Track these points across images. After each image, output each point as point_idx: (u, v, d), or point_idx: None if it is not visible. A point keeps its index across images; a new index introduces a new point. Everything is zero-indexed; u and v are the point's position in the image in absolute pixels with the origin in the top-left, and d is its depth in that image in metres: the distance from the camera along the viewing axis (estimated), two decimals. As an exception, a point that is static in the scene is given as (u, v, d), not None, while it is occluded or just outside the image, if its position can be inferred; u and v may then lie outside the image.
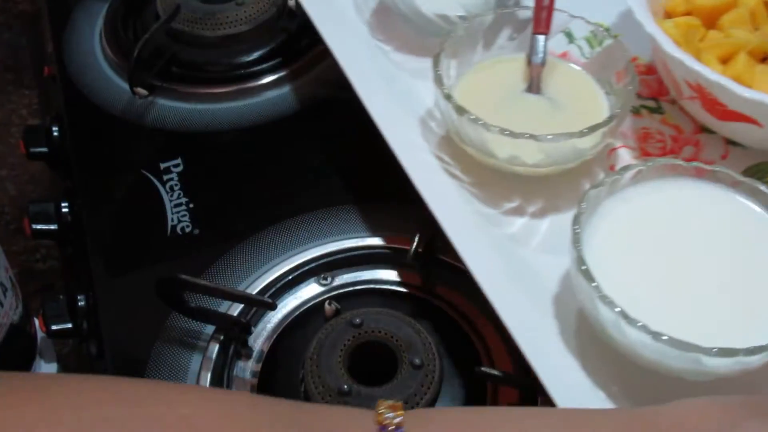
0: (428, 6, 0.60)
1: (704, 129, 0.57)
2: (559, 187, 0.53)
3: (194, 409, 0.34)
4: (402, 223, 0.57)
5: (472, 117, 0.50)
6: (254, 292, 0.54)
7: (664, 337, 0.39)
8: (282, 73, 0.70)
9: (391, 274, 0.56)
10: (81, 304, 0.58)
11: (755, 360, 0.40)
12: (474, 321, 0.53)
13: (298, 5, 0.73)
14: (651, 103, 0.59)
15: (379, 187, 0.60)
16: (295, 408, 0.37)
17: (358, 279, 0.56)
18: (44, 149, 0.69)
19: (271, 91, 0.69)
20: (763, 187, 0.46)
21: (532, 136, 0.49)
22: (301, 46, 0.72)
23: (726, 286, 0.44)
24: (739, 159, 0.55)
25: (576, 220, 0.44)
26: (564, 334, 0.46)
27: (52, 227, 0.65)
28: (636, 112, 0.58)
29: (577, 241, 0.43)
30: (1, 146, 1.26)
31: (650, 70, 0.61)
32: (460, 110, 0.51)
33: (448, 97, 0.51)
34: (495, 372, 0.49)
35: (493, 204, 0.53)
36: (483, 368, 0.49)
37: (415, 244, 0.54)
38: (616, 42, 0.55)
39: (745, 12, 0.56)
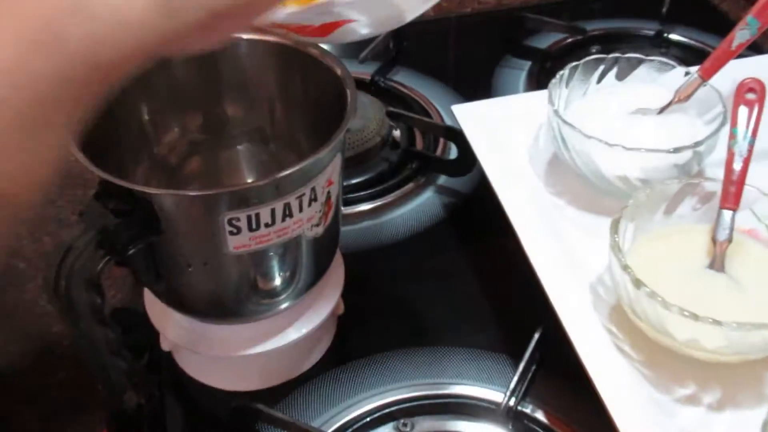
0: (608, 167, 0.59)
1: None
2: (741, 377, 0.49)
3: None
4: (493, 374, 0.54)
5: (650, 292, 0.48)
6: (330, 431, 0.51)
7: None
8: (377, 203, 0.69)
9: (475, 428, 0.52)
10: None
11: None
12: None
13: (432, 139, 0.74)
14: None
15: (474, 332, 0.57)
16: None
17: (439, 429, 0.52)
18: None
19: (366, 220, 0.67)
20: None
21: (716, 322, 0.46)
22: (399, 179, 0.71)
23: None
24: None
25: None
26: None
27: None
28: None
29: None
30: None
31: None
32: (638, 283, 0.48)
33: (626, 268, 0.49)
34: None
35: (665, 389, 0.49)
36: None
37: (506, 398, 0.51)
38: (812, 226, 0.52)
39: None
